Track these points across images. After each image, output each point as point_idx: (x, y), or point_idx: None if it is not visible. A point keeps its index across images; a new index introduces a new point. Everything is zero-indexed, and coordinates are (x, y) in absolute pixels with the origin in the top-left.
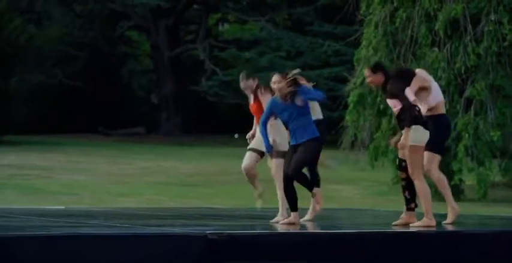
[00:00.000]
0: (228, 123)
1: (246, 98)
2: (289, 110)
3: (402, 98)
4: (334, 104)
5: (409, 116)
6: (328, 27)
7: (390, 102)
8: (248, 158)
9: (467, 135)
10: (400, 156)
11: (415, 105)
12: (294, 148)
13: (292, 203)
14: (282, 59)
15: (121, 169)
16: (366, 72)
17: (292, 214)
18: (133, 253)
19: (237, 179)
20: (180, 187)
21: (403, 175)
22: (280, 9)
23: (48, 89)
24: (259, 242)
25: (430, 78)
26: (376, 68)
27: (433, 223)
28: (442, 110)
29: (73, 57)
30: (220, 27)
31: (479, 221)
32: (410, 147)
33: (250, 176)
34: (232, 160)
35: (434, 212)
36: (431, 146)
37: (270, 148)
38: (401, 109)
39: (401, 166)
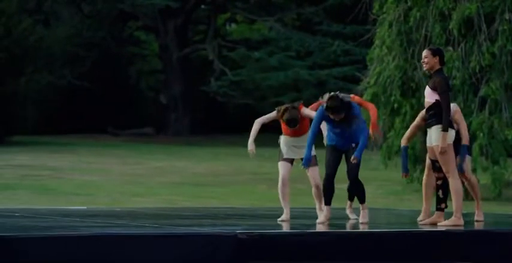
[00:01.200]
0: (237, 124)
1: (255, 99)
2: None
3: (444, 97)
4: None
5: (445, 120)
6: (337, 27)
7: (428, 92)
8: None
9: (481, 134)
10: (431, 157)
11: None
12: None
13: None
14: (292, 59)
15: (133, 169)
16: (425, 52)
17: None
18: (164, 253)
19: (250, 179)
20: (194, 187)
21: (440, 175)
22: (289, 9)
23: (57, 90)
24: (289, 242)
25: None
26: (436, 52)
27: (461, 222)
28: None
29: (81, 58)
30: (228, 27)
31: (495, 219)
32: (440, 148)
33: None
34: (243, 160)
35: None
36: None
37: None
38: (434, 104)
39: (436, 167)
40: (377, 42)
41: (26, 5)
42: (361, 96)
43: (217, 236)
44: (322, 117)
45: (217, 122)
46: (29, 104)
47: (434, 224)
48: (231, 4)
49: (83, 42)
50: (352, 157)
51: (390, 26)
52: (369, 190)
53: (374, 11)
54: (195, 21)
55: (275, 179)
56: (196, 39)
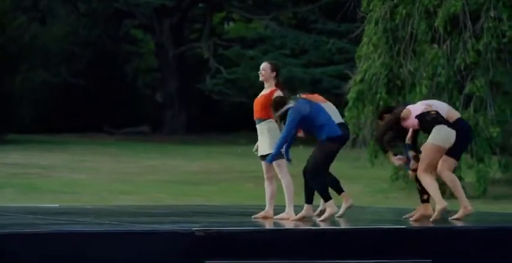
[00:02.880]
0: (232, 122)
1: (250, 97)
2: None
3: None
4: (337, 101)
5: (428, 120)
6: (332, 25)
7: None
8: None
9: None
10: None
11: (428, 111)
12: None
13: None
14: (287, 57)
15: (124, 168)
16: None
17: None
18: (120, 250)
19: (240, 177)
20: (183, 185)
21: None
22: (285, 8)
23: (52, 88)
24: (246, 239)
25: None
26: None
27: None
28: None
29: (77, 56)
30: (226, 26)
31: (477, 218)
32: (432, 145)
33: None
34: (235, 158)
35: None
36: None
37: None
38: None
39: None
40: (365, 39)
41: (22, 3)
42: (347, 93)
43: (174, 233)
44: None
45: (213, 120)
46: (24, 102)
47: (424, 217)
48: (227, 3)
49: (79, 40)
50: None
51: (376, 23)
52: (356, 188)
53: (362, 9)
54: (191, 20)
55: (262, 177)
56: (192, 37)
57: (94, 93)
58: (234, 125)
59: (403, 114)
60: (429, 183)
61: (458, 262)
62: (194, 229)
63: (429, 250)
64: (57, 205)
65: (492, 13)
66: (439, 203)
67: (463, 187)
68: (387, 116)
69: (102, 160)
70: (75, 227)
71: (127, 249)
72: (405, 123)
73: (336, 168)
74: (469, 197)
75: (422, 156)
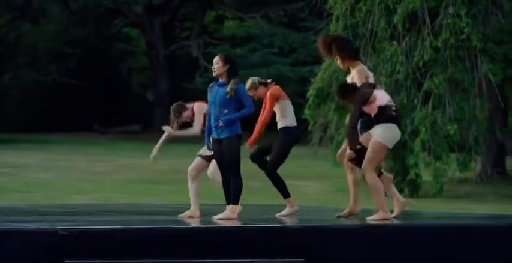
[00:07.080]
0: None
1: None
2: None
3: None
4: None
5: (384, 114)
6: (320, 24)
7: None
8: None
9: (424, 129)
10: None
11: (391, 106)
12: None
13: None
14: (274, 56)
15: (96, 166)
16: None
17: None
18: None
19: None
20: (145, 184)
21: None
22: (275, 5)
23: (42, 87)
24: (109, 238)
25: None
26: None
27: (388, 215)
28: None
29: (67, 55)
30: (225, 24)
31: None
32: (377, 143)
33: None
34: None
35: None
36: None
37: None
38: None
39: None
40: None
41: (13, 2)
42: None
43: (36, 232)
44: None
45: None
46: (12, 101)
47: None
48: (218, 1)
49: (70, 39)
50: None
51: (337, 20)
52: (319, 187)
53: (328, 6)
54: (183, 18)
55: None
56: (183, 36)
57: (85, 93)
58: None
59: (371, 98)
60: (378, 185)
61: (330, 262)
62: (58, 227)
63: (302, 249)
64: None
65: (451, 10)
66: (385, 210)
67: (420, 185)
68: (356, 96)
69: (77, 158)
70: None
71: None
72: (365, 108)
73: (305, 167)
74: (426, 195)
75: (370, 155)
